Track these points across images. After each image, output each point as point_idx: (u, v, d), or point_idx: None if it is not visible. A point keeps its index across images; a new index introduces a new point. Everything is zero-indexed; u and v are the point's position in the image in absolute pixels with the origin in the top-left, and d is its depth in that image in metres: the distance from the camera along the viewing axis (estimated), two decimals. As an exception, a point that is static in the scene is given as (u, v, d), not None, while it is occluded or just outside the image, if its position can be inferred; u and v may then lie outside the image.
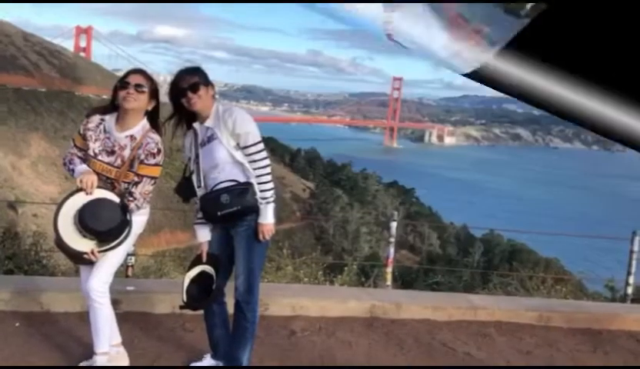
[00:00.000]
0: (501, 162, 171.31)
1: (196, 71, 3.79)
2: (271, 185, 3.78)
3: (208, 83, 3.78)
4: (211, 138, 3.76)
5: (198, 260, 3.91)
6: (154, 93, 3.71)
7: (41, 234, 6.75)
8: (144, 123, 3.70)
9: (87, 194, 3.57)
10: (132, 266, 5.82)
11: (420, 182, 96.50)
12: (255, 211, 3.76)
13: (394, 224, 6.41)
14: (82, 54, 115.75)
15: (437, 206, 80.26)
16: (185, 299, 3.89)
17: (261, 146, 3.80)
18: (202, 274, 3.86)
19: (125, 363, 4.01)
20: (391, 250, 6.44)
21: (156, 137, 3.69)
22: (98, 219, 3.52)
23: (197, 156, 3.82)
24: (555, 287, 7.07)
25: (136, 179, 3.67)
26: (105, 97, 79.08)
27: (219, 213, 3.73)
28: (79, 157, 3.74)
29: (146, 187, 3.68)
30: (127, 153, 3.65)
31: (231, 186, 3.72)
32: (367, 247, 58.83)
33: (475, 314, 5.62)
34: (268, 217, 3.78)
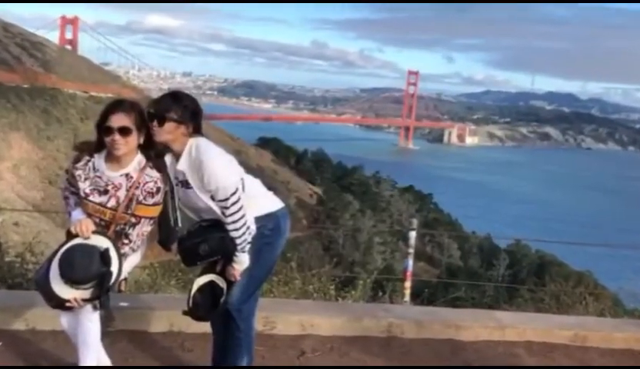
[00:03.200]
0: (528, 164, 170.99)
1: (177, 102, 3.66)
2: (245, 237, 3.73)
3: (182, 121, 3.62)
4: (185, 184, 3.69)
5: (210, 268, 3.88)
6: (142, 125, 3.58)
7: (27, 244, 6.78)
8: (139, 159, 3.63)
9: (84, 239, 3.55)
10: (126, 279, 5.81)
11: (438, 187, 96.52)
12: (234, 250, 3.78)
13: (412, 234, 6.41)
14: (68, 46, 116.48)
15: (457, 213, 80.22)
16: (190, 305, 3.87)
17: (235, 198, 3.64)
18: (212, 284, 3.84)
19: None
20: (410, 262, 6.43)
21: (155, 174, 3.61)
22: (72, 266, 3.48)
23: (172, 190, 3.74)
24: (593, 304, 7.04)
25: (133, 220, 3.61)
26: (92, 94, 79.62)
27: (199, 262, 3.82)
28: (74, 194, 3.71)
29: (144, 228, 3.65)
30: (122, 193, 3.59)
31: (210, 232, 3.71)
32: (380, 259, 58.79)
33: (502, 334, 5.60)
34: (239, 264, 3.79)
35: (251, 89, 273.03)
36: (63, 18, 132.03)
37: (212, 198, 3.65)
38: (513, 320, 5.93)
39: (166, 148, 3.68)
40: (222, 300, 3.83)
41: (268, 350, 4.95)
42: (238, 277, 3.81)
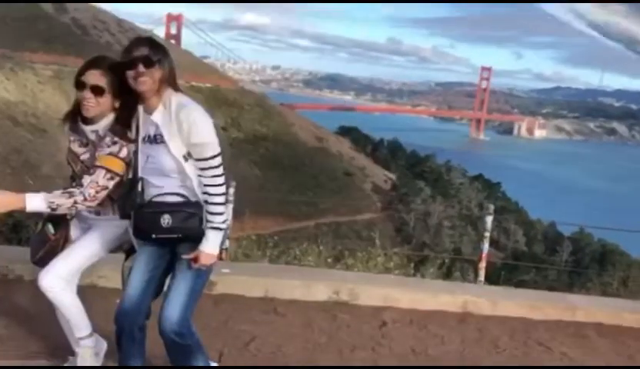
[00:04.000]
0: (595, 157, 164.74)
1: (164, 51, 3.06)
2: (221, 209, 3.07)
3: (165, 63, 3.03)
4: (156, 139, 3.06)
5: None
6: (119, 89, 3.13)
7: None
8: (110, 118, 3.22)
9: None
10: (226, 249, 6.00)
11: (507, 176, 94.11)
12: (200, 238, 3.09)
13: (489, 219, 6.30)
14: (172, 41, 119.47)
15: (523, 202, 78.19)
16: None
17: (219, 160, 3.03)
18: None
19: (104, 347, 3.67)
20: (486, 245, 6.33)
21: (117, 129, 3.19)
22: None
23: (136, 151, 3.15)
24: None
25: (90, 171, 3.20)
26: (193, 84, 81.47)
27: (154, 236, 3.08)
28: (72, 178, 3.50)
29: (100, 178, 3.14)
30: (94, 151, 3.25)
31: (178, 206, 3.06)
32: (448, 242, 58.08)
33: (573, 315, 5.45)
34: (211, 245, 3.08)
35: (334, 82, 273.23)
36: (169, 15, 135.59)
37: (185, 158, 3.02)
38: (584, 302, 5.77)
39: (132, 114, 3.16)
40: (160, 315, 3.13)
41: (352, 319, 4.99)
42: (204, 265, 3.11)
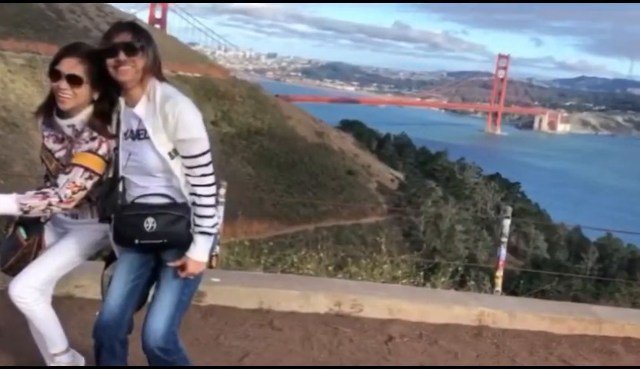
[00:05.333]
0: (623, 154, 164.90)
1: (139, 30, 3.03)
2: (211, 212, 3.04)
3: (149, 50, 3.00)
4: (139, 135, 3.02)
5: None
6: (98, 79, 3.08)
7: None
8: (88, 111, 3.17)
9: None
10: (217, 256, 6.00)
11: (526, 175, 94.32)
12: (188, 243, 3.05)
13: (507, 222, 6.30)
14: (157, 26, 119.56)
15: (545, 203, 78.37)
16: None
17: (209, 158, 3.02)
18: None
19: (81, 364, 3.62)
20: (503, 251, 6.34)
21: (96, 123, 3.16)
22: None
23: (117, 147, 3.12)
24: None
25: (67, 170, 3.16)
26: (180, 73, 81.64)
27: (137, 241, 3.04)
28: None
29: (77, 178, 3.10)
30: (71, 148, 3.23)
31: (163, 208, 3.03)
32: (462, 248, 58.14)
33: (599, 328, 5.47)
34: (199, 252, 3.05)
35: (335, 71, 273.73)
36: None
37: (171, 155, 2.99)
38: (610, 314, 5.78)
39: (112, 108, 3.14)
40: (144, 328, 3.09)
41: (355, 333, 4.99)
42: (192, 273, 3.08)
